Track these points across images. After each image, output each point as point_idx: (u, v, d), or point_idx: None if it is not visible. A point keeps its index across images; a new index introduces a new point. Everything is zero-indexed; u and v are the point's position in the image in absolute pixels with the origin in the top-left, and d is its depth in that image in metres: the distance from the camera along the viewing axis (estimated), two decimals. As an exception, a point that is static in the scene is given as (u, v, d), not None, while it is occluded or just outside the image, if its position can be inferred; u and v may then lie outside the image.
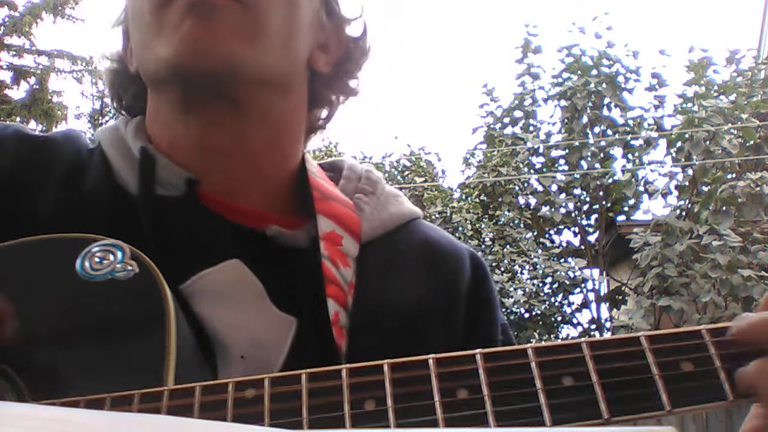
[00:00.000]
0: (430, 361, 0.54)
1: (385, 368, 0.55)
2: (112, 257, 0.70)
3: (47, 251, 0.73)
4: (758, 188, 10.36)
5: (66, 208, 0.81)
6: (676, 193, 12.32)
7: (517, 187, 13.89)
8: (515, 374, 0.53)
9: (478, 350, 0.54)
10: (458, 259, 0.94)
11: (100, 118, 18.34)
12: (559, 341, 0.55)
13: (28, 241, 0.73)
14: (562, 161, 14.06)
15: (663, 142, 13.03)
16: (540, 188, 13.87)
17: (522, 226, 13.82)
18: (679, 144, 11.81)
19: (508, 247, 13.39)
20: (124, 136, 0.89)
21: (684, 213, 11.67)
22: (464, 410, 0.52)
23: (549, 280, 13.20)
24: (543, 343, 0.54)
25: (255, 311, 0.78)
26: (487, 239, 13.57)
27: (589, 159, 13.51)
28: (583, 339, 0.53)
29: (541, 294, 13.15)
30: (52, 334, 0.68)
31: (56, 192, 0.82)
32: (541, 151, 14.10)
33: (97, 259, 0.70)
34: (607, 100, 13.69)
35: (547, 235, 14.21)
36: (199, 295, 0.76)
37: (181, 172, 0.83)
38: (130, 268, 0.70)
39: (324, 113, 0.98)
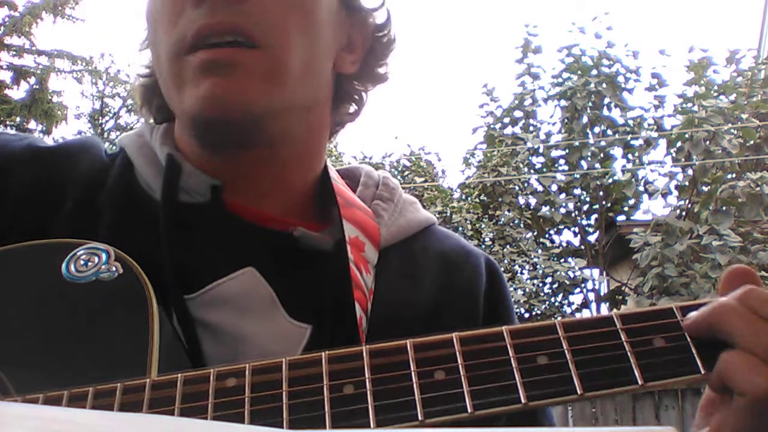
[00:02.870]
0: (408, 345, 0.54)
1: (364, 354, 0.55)
2: (96, 259, 0.72)
3: (34, 257, 0.74)
4: (758, 188, 10.37)
5: (81, 218, 0.81)
6: (676, 193, 12.33)
7: (517, 187, 13.89)
8: (491, 356, 0.53)
9: (454, 333, 0.54)
10: (474, 264, 0.94)
11: (100, 118, 18.37)
12: (533, 323, 0.55)
13: (15, 248, 0.74)
14: (562, 161, 14.07)
15: (663, 142, 13.05)
16: (540, 188, 13.88)
17: (522, 226, 13.82)
18: (679, 144, 11.82)
19: (508, 247, 13.39)
20: (149, 142, 0.89)
21: (684, 213, 11.68)
22: (441, 391, 0.52)
23: (549, 280, 13.20)
24: (518, 326, 0.54)
25: (265, 322, 0.78)
26: (487, 239, 13.57)
27: (589, 159, 13.52)
28: (557, 320, 0.53)
29: (541, 294, 13.15)
30: (38, 335, 0.69)
31: (73, 199, 0.82)
32: (541, 151, 14.11)
33: (82, 262, 0.71)
34: (607, 100, 13.70)
35: (547, 235, 14.21)
36: (211, 305, 0.77)
37: (206, 178, 0.83)
38: (114, 269, 0.71)
39: (352, 107, 0.96)
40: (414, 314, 0.85)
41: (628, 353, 0.53)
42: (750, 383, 0.53)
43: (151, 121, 0.94)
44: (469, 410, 0.50)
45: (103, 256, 0.72)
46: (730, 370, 0.54)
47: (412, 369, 0.53)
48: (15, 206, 0.81)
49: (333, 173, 0.93)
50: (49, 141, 0.93)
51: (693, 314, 0.56)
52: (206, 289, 0.77)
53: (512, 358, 0.52)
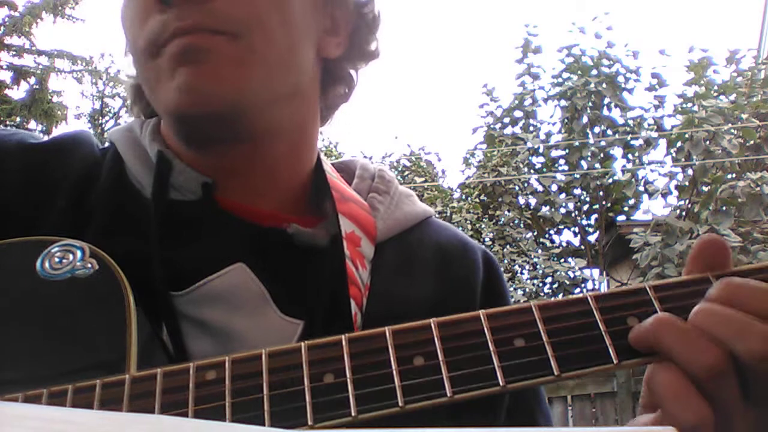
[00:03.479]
0: (387, 332, 0.54)
1: (343, 342, 0.55)
2: (71, 256, 0.71)
3: (8, 254, 0.73)
4: (758, 188, 10.39)
5: (75, 213, 0.80)
6: (676, 193, 12.35)
7: (517, 187, 13.92)
8: (469, 340, 0.53)
9: (432, 319, 0.54)
10: (471, 257, 0.93)
11: (100, 118, 18.41)
12: (510, 306, 0.55)
13: None
14: (562, 161, 14.10)
15: (663, 142, 13.07)
16: (540, 188, 13.90)
17: (522, 226, 13.85)
18: (679, 144, 11.85)
19: (508, 247, 13.42)
20: (139, 138, 0.88)
21: (684, 213, 11.69)
22: (421, 377, 0.52)
23: (549, 280, 13.22)
24: (495, 309, 0.54)
25: (256, 318, 0.77)
26: (487, 239, 13.59)
27: (589, 159, 13.54)
28: (533, 302, 0.53)
29: (541, 294, 13.17)
30: (13, 333, 0.68)
31: (66, 197, 0.81)
32: (541, 151, 14.13)
33: (56, 259, 0.70)
34: (607, 100, 13.73)
35: (547, 235, 14.24)
36: (201, 302, 0.76)
37: (196, 176, 0.82)
38: (89, 266, 0.70)
39: (343, 89, 0.94)
40: (411, 308, 0.83)
41: (603, 333, 0.52)
42: (680, 415, 0.52)
43: (141, 117, 0.93)
44: (448, 395, 0.50)
45: (78, 253, 0.70)
46: (662, 392, 0.53)
47: (391, 356, 0.53)
48: (6, 203, 0.80)
49: (327, 167, 0.91)
50: (40, 136, 0.91)
51: (637, 327, 0.55)
52: (196, 286, 0.76)
53: (489, 341, 0.52)
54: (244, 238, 0.81)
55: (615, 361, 0.52)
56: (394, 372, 0.51)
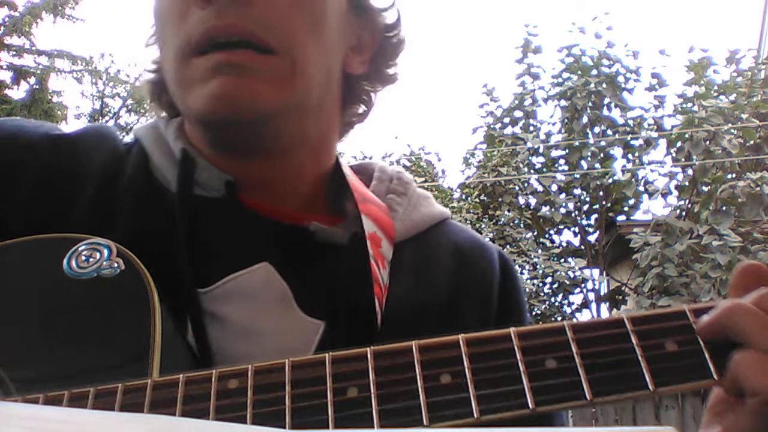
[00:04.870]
0: (413, 347, 0.54)
1: (369, 356, 0.54)
2: (98, 255, 0.71)
3: (35, 251, 0.73)
4: (758, 188, 10.37)
5: (101, 207, 0.80)
6: (676, 193, 12.33)
7: (517, 187, 13.89)
8: (498, 359, 0.52)
9: (461, 335, 0.53)
10: (487, 258, 0.95)
11: (100, 118, 18.40)
12: (542, 325, 0.54)
13: (17, 243, 0.73)
14: (562, 161, 14.07)
15: (663, 142, 13.05)
16: (540, 188, 13.88)
17: (522, 226, 13.83)
18: (679, 144, 11.82)
19: (508, 247, 13.39)
20: (163, 135, 0.89)
21: (684, 213, 11.68)
22: (447, 395, 0.51)
23: (549, 280, 13.20)
24: (526, 327, 0.53)
25: (279, 317, 0.78)
26: (487, 239, 13.56)
27: (589, 159, 13.51)
28: (566, 322, 0.52)
29: (541, 294, 13.16)
30: (38, 331, 0.68)
31: (91, 191, 0.82)
32: (541, 151, 14.11)
33: (83, 258, 0.70)
34: (607, 100, 13.70)
35: (547, 235, 14.22)
36: (225, 299, 0.76)
37: (220, 174, 0.83)
38: (116, 265, 0.70)
39: (361, 108, 0.96)
40: (429, 309, 0.85)
41: (639, 357, 0.51)
42: (762, 384, 0.52)
43: (163, 115, 0.94)
44: (475, 415, 0.49)
45: (105, 252, 0.71)
46: (743, 371, 0.53)
47: (417, 372, 0.52)
48: (31, 197, 0.80)
49: (347, 169, 0.92)
50: (65, 129, 0.91)
51: (705, 316, 0.55)
52: (221, 282, 0.77)
53: (520, 362, 0.51)
54: (267, 235, 0.82)
55: (651, 388, 0.50)
56: (420, 389, 0.51)
